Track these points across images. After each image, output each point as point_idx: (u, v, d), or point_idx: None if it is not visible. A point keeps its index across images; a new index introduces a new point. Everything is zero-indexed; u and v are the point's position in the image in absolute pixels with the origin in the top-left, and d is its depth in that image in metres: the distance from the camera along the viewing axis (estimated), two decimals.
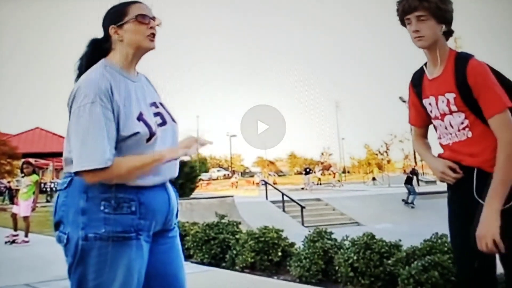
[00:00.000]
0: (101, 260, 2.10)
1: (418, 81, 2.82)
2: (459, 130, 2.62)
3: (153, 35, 2.35)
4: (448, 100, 2.61)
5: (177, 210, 2.43)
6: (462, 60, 2.60)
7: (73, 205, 2.14)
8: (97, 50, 2.38)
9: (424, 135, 2.98)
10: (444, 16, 2.61)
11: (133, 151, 2.18)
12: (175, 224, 2.44)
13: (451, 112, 2.62)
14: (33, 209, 11.22)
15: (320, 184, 50.56)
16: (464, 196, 2.61)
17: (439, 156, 2.79)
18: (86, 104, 2.09)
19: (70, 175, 2.18)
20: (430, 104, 2.72)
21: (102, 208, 2.11)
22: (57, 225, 2.20)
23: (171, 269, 2.38)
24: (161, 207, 2.29)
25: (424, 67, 2.80)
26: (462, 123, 2.60)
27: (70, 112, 2.16)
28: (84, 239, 2.09)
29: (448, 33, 2.69)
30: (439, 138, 2.78)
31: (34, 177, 11.27)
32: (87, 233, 2.09)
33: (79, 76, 2.37)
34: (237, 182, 56.79)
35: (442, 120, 2.67)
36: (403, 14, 2.66)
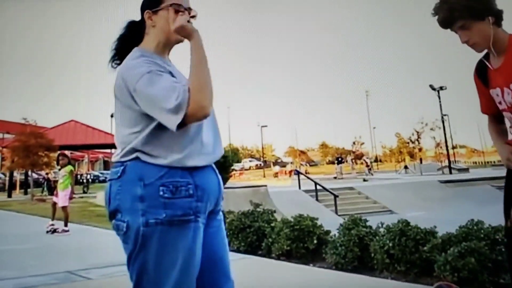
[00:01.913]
0: (162, 245, 2.13)
1: (481, 70, 2.72)
2: None
3: None
4: None
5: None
6: None
7: (130, 193, 2.15)
8: (133, 32, 2.42)
9: (499, 121, 2.85)
10: (482, 10, 2.49)
11: (181, 134, 2.17)
12: (221, 207, 2.46)
13: None
14: (70, 199, 11.49)
15: (352, 168, 50.21)
16: None
17: (507, 142, 2.73)
18: (145, 74, 2.12)
19: (122, 164, 2.21)
20: (497, 95, 2.63)
21: (161, 193, 2.13)
22: (113, 214, 2.22)
23: (218, 252, 2.39)
24: (213, 188, 2.30)
25: (486, 56, 2.68)
26: None
27: (130, 95, 2.16)
28: (145, 225, 2.11)
29: (498, 18, 2.55)
30: (509, 127, 2.71)
31: (69, 168, 11.54)
32: (147, 219, 2.11)
33: (114, 56, 2.44)
34: (277, 173, 56.68)
35: (511, 112, 2.59)
36: (444, 27, 2.57)
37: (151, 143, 2.18)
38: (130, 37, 2.41)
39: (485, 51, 2.66)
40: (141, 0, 2.44)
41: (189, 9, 2.38)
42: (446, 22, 2.53)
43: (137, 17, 2.45)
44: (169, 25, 2.31)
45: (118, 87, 2.21)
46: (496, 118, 2.85)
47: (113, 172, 2.24)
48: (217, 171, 2.38)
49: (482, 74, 2.73)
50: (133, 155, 2.19)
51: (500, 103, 2.65)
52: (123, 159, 2.21)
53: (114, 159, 2.28)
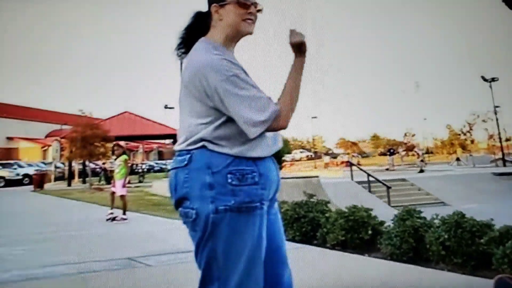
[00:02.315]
0: (232, 232, 2.17)
1: None
2: None
3: (252, 20, 2.39)
4: None
5: None
6: None
7: (198, 180, 2.19)
8: (200, 24, 2.46)
9: None
10: None
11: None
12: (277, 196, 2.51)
13: None
14: (124, 186, 11.81)
15: (402, 160, 49.47)
16: None
17: None
18: (230, 76, 2.18)
19: (188, 152, 2.24)
20: None
21: (229, 180, 2.17)
22: (180, 202, 2.25)
23: (276, 241, 2.44)
24: (274, 177, 2.35)
25: None
26: None
27: (205, 91, 2.20)
28: (215, 212, 2.15)
29: None
30: None
31: (123, 157, 11.89)
32: (217, 206, 2.15)
33: (180, 45, 2.50)
34: (327, 163, 56.53)
35: None
36: None
37: (219, 134, 2.22)
38: (197, 28, 2.46)
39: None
40: None
41: (254, 4, 2.42)
42: None
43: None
44: (235, 19, 2.36)
45: (192, 79, 2.24)
46: None
47: (179, 160, 2.28)
48: (275, 161, 2.43)
49: None
50: (200, 144, 2.23)
51: None
52: (189, 148, 2.25)
53: (178, 147, 2.32)
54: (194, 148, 2.24)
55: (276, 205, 2.52)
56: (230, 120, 2.21)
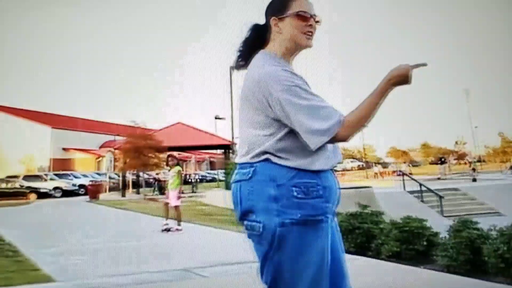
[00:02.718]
0: (298, 245, 2.14)
1: None
2: None
3: (311, 33, 2.41)
4: None
5: None
6: None
7: (263, 193, 2.16)
8: (258, 36, 2.46)
9: None
10: None
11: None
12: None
13: None
14: (178, 198, 11.88)
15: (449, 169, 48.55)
16: None
17: None
18: (292, 87, 2.16)
19: (251, 165, 2.22)
20: None
21: (294, 193, 2.13)
22: (245, 215, 2.22)
23: (337, 253, 2.39)
24: (335, 190, 2.30)
25: None
26: None
27: (267, 102, 2.19)
28: (281, 226, 2.12)
29: None
30: None
31: (177, 168, 12.01)
32: (283, 219, 2.12)
33: (239, 59, 2.50)
34: (376, 173, 55.96)
35: None
36: None
37: (281, 147, 2.21)
38: (254, 41, 2.47)
39: None
40: None
41: (314, 15, 2.40)
42: None
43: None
44: (295, 32, 2.37)
45: (253, 90, 2.24)
46: None
47: (242, 173, 2.26)
48: (334, 173, 2.41)
49: None
50: (263, 157, 2.21)
51: None
52: (252, 161, 2.23)
53: (240, 160, 2.30)
54: (258, 161, 2.22)
55: (335, 217, 2.48)
56: (292, 132, 2.21)
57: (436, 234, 7.03)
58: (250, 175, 2.22)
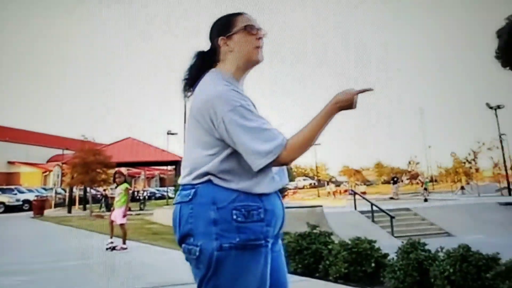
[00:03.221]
0: (236, 270, 2.12)
1: None
2: None
3: (260, 46, 2.39)
4: None
5: None
6: None
7: (202, 216, 2.15)
8: (203, 61, 2.42)
9: None
10: None
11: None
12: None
13: None
14: (124, 216, 11.65)
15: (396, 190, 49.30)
16: None
17: None
18: (237, 107, 2.15)
19: (193, 187, 2.20)
20: None
21: (234, 217, 2.13)
22: (184, 238, 2.20)
23: (281, 277, 2.38)
24: (279, 213, 2.31)
25: None
26: None
27: (212, 122, 2.18)
28: (219, 250, 2.10)
29: None
30: None
31: (124, 186, 11.81)
32: (222, 243, 2.10)
33: (186, 87, 2.45)
34: (330, 192, 56.47)
35: None
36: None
37: (224, 168, 2.18)
38: (201, 66, 2.42)
39: None
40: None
41: (259, 29, 2.41)
42: None
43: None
44: (246, 48, 2.35)
45: (200, 110, 2.22)
46: None
47: (183, 194, 2.24)
48: (280, 196, 2.38)
49: None
50: (205, 178, 2.19)
51: None
52: (194, 182, 2.21)
53: (183, 181, 2.27)
54: (199, 182, 2.20)
55: (280, 241, 2.46)
56: (236, 153, 2.18)
57: (385, 255, 6.99)
58: (190, 197, 2.20)
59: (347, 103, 2.26)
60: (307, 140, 2.20)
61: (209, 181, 2.18)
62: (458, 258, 5.60)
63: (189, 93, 2.46)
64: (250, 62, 2.39)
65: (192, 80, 2.44)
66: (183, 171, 2.30)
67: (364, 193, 42.15)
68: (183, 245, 2.22)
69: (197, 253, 2.14)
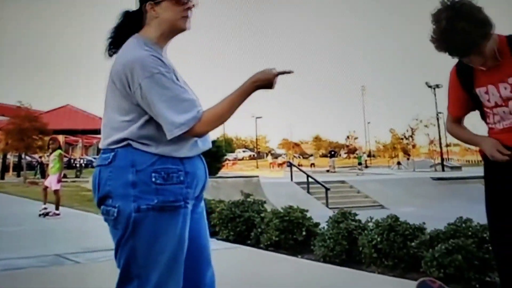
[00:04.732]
0: (153, 231, 2.15)
1: (466, 70, 2.76)
2: None
3: (188, 16, 2.36)
4: (511, 85, 2.58)
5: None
6: None
7: (121, 179, 2.15)
8: (129, 23, 2.39)
9: (462, 122, 2.99)
10: (488, 29, 2.52)
11: None
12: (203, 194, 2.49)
13: None
14: (59, 182, 11.52)
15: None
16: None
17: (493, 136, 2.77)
18: (155, 74, 2.14)
19: (112, 150, 2.20)
20: (486, 92, 2.68)
21: (153, 179, 2.14)
22: (102, 200, 2.21)
23: (200, 238, 2.43)
24: (201, 175, 2.34)
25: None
26: None
27: (129, 86, 2.16)
28: (137, 211, 2.12)
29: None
30: (495, 123, 2.75)
31: (58, 152, 11.62)
32: (139, 204, 2.12)
33: (110, 45, 2.41)
34: (271, 163, 56.82)
35: (507, 105, 2.63)
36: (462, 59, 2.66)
37: (143, 134, 2.19)
38: (127, 27, 2.39)
39: None
40: None
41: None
42: (465, 57, 2.59)
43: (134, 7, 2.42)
44: (173, 16, 2.32)
45: (118, 74, 2.19)
46: (458, 120, 2.99)
47: (103, 158, 2.24)
48: (203, 158, 2.41)
49: (464, 73, 2.78)
50: (124, 143, 2.19)
51: (488, 100, 2.70)
52: (113, 146, 2.21)
53: (102, 145, 2.27)
54: (119, 146, 2.20)
55: (202, 203, 2.50)
56: (154, 119, 2.18)
57: (316, 224, 7.08)
58: (110, 160, 2.21)
59: (265, 83, 2.28)
60: (222, 115, 2.24)
61: (129, 145, 2.19)
62: (386, 227, 5.71)
63: (113, 53, 2.42)
64: (174, 30, 2.38)
65: (116, 40, 2.41)
66: (103, 135, 2.30)
67: (300, 165, 42.57)
68: (101, 207, 2.23)
69: (115, 214, 2.16)
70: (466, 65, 2.74)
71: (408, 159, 55.90)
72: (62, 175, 11.83)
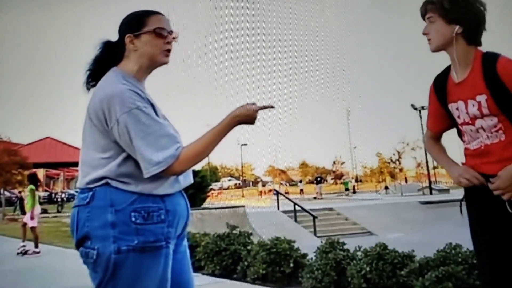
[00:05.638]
0: (134, 273, 2.08)
1: (441, 84, 2.73)
2: (491, 133, 2.53)
3: (169, 50, 2.33)
4: (479, 103, 2.51)
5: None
6: (490, 59, 2.51)
7: (100, 219, 2.09)
8: (109, 54, 2.34)
9: (439, 139, 2.95)
10: (453, 16, 2.52)
11: None
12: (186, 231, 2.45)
13: (482, 116, 2.52)
14: (32, 219, 11.30)
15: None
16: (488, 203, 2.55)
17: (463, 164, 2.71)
18: (133, 109, 2.09)
19: (90, 190, 2.14)
20: (457, 109, 2.63)
21: (133, 219, 2.08)
22: (81, 242, 2.14)
23: (184, 278, 2.37)
24: (182, 213, 2.28)
25: (448, 70, 2.70)
26: (495, 126, 2.51)
27: (106, 122, 2.11)
28: (117, 253, 2.06)
29: (471, 35, 2.56)
30: (467, 143, 2.70)
31: (29, 187, 11.53)
32: (119, 246, 2.06)
33: (89, 77, 2.36)
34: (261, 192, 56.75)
35: (473, 124, 2.58)
36: (423, 18, 2.65)
37: (122, 172, 2.14)
38: (106, 59, 2.34)
39: (445, 66, 2.73)
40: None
41: (170, 32, 2.35)
42: (422, 10, 2.64)
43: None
44: (153, 50, 2.29)
45: (95, 110, 2.15)
46: (437, 136, 2.95)
47: (81, 198, 2.17)
48: (185, 194, 2.36)
49: (440, 89, 2.75)
50: (103, 181, 2.13)
51: (458, 117, 2.65)
52: (91, 185, 2.14)
53: (80, 184, 2.20)
54: (97, 185, 2.14)
55: (185, 241, 2.44)
56: (132, 156, 2.13)
57: (304, 255, 6.98)
58: (88, 200, 2.14)
59: (246, 118, 2.28)
60: (202, 151, 2.20)
61: (107, 184, 2.13)
62: (375, 256, 5.63)
63: (92, 86, 2.36)
64: (154, 64, 2.35)
65: (95, 72, 2.35)
66: (81, 174, 2.24)
67: (287, 192, 42.45)
68: (80, 249, 2.16)
69: (94, 257, 2.09)
70: (442, 80, 2.72)
71: (397, 182, 55.99)
72: (36, 211, 11.57)
